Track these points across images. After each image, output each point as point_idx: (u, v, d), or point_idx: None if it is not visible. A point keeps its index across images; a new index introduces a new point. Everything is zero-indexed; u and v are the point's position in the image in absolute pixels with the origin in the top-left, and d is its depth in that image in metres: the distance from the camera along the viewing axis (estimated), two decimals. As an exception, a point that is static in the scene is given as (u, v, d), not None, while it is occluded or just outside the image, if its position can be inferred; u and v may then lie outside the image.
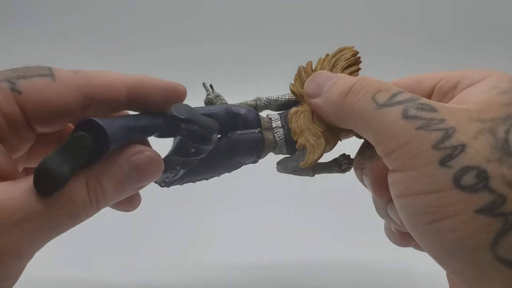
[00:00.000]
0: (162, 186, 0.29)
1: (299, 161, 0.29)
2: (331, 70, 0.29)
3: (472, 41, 0.72)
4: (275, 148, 0.30)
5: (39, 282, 0.39)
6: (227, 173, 0.30)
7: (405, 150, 0.23)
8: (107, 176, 0.23)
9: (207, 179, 0.30)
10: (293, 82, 0.30)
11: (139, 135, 0.25)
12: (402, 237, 0.29)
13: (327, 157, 0.30)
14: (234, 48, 0.71)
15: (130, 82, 0.25)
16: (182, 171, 0.28)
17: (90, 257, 0.43)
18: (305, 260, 0.43)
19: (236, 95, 0.62)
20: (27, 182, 0.22)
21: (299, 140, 0.28)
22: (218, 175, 0.30)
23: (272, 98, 0.31)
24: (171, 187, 0.29)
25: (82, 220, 0.23)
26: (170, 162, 0.27)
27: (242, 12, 0.72)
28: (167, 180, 0.28)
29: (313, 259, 0.43)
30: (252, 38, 0.72)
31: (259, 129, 0.30)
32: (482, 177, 0.21)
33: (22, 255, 0.22)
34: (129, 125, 0.24)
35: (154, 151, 0.25)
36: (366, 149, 0.29)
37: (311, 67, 0.30)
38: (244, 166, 0.31)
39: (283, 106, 0.31)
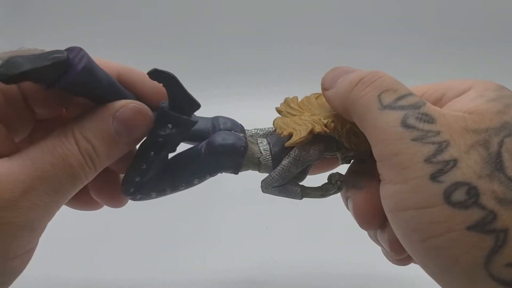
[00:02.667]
0: (130, 193, 0.27)
1: (285, 171, 0.28)
2: (316, 99, 0.30)
3: (478, 39, 0.72)
4: (259, 159, 0.28)
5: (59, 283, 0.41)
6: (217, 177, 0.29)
7: (398, 160, 0.22)
8: (96, 134, 0.24)
9: (184, 188, 0.28)
10: (279, 106, 0.30)
11: (116, 94, 0.25)
12: (399, 260, 0.29)
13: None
14: (247, 53, 0.72)
15: (122, 68, 0.27)
16: (155, 161, 0.26)
17: (105, 258, 0.44)
18: (317, 262, 0.43)
19: (248, 100, 0.63)
20: (25, 155, 0.23)
21: (284, 132, 0.27)
22: (195, 180, 0.28)
23: (259, 128, 0.31)
24: (140, 200, 0.27)
25: (83, 183, 0.24)
26: (144, 146, 0.26)
27: (253, 17, 0.73)
28: (137, 180, 0.26)
29: (322, 262, 0.43)
30: (264, 44, 0.72)
31: (243, 135, 0.29)
32: (473, 193, 0.21)
33: (33, 228, 0.22)
34: (112, 80, 0.25)
35: (138, 102, 0.25)
36: (350, 177, 0.29)
37: (297, 99, 0.30)
38: (224, 174, 0.29)
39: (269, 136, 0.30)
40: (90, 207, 0.30)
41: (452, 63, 0.70)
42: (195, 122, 0.27)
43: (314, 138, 0.27)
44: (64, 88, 0.23)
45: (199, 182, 0.28)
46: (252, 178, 0.31)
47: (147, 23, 0.73)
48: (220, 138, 0.27)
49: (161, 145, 0.26)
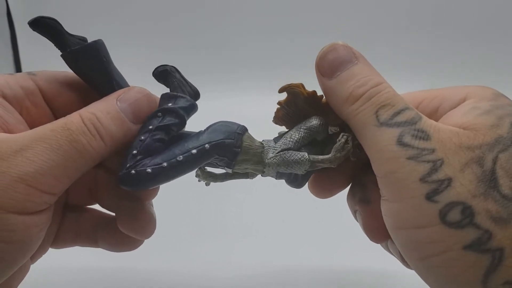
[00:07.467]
0: (126, 168, 0.25)
1: (290, 138, 0.27)
2: None
3: (483, 37, 0.71)
4: (261, 153, 0.27)
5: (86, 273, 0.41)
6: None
7: (394, 178, 0.23)
8: (101, 110, 0.25)
9: (181, 159, 0.25)
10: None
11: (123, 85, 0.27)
12: None
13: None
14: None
15: None
16: (154, 133, 0.26)
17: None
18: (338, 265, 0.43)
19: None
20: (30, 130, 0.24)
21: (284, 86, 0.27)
22: (192, 149, 0.26)
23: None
24: (136, 180, 0.25)
25: (88, 150, 0.24)
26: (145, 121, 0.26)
27: (258, 12, 0.72)
28: (134, 152, 0.25)
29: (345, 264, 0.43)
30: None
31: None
32: (468, 213, 0.21)
33: (29, 183, 0.22)
34: (121, 76, 0.27)
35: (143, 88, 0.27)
36: (357, 189, 0.28)
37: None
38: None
39: None
40: (128, 246, 0.31)
41: (458, 61, 0.70)
42: (192, 105, 0.27)
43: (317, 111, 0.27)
44: (74, 56, 0.26)
45: (198, 155, 0.26)
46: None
47: (152, 21, 0.73)
48: (220, 121, 0.27)
49: (162, 120, 0.26)
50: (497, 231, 0.21)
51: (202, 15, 0.72)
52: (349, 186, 0.30)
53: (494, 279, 0.21)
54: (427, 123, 0.23)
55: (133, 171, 0.25)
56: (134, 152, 0.25)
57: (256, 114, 0.38)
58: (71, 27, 0.27)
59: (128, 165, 0.25)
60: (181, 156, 0.25)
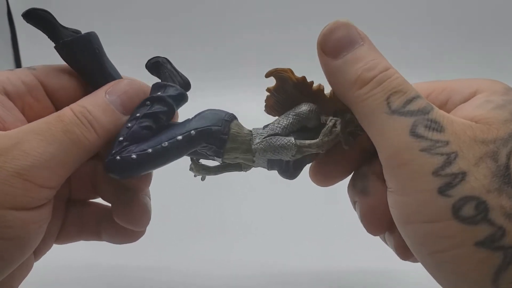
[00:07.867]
0: (111, 154, 0.25)
1: (278, 124, 0.27)
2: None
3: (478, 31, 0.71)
4: (250, 140, 0.27)
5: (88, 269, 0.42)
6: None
7: (406, 170, 0.22)
8: (91, 103, 0.25)
9: (167, 145, 0.25)
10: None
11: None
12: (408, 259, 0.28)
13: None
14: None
15: None
16: (141, 120, 0.26)
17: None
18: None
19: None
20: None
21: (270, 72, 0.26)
22: (178, 136, 0.26)
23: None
24: (120, 168, 0.25)
25: (82, 141, 0.24)
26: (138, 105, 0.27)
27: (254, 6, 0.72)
28: (120, 139, 0.25)
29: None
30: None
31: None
32: (482, 208, 0.21)
33: (26, 178, 0.22)
34: (114, 68, 0.28)
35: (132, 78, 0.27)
36: (358, 179, 0.28)
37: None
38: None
39: None
40: (129, 238, 0.31)
41: (460, 61, 0.70)
42: (181, 94, 0.27)
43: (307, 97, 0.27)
44: (67, 48, 0.26)
45: (184, 141, 0.26)
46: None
47: (149, 18, 0.73)
48: (209, 108, 0.27)
49: (151, 107, 0.26)
50: (510, 228, 0.20)
51: (199, 12, 0.72)
52: (350, 176, 0.29)
53: (505, 278, 0.20)
54: (439, 113, 0.22)
55: (118, 157, 0.25)
56: (121, 138, 0.25)
57: (253, 110, 0.38)
58: (71, 25, 0.27)
59: (114, 151, 0.25)
60: (166, 142, 0.25)
